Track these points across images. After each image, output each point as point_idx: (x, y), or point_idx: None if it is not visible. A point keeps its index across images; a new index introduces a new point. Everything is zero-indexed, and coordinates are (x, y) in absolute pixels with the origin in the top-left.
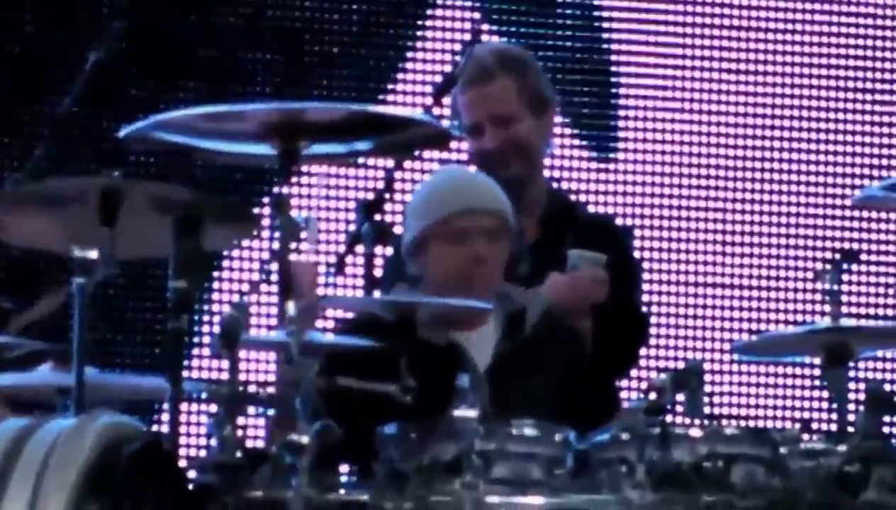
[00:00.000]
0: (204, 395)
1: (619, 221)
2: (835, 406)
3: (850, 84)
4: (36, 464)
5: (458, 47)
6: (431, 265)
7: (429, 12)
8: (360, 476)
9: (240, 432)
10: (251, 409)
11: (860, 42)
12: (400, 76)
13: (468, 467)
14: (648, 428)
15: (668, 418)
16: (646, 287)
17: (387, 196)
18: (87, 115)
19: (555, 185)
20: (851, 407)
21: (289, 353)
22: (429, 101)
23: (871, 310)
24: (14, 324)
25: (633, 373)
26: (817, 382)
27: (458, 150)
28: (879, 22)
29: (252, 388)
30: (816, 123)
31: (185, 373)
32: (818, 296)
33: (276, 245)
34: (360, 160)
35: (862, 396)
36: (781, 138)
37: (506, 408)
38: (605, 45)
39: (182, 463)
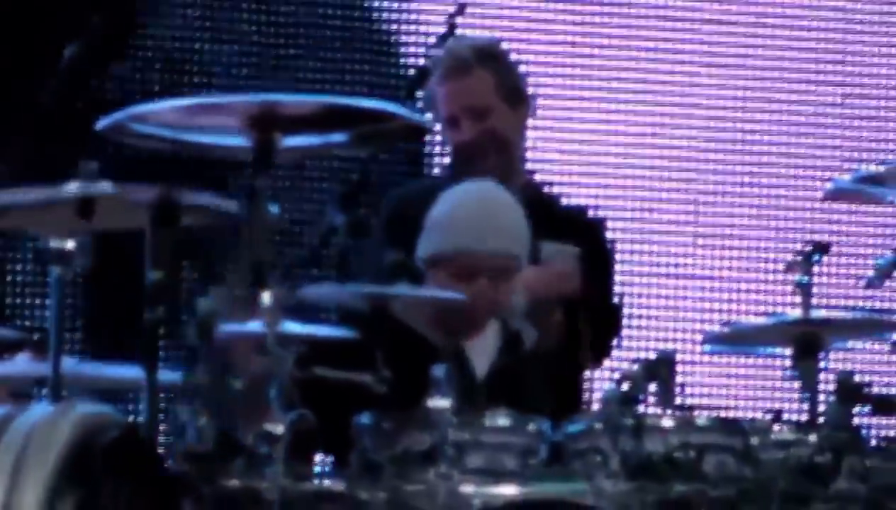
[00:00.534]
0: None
1: (591, 213)
2: (805, 397)
3: (822, 77)
4: (13, 452)
5: (432, 40)
6: (434, 287)
7: (404, 6)
8: (335, 466)
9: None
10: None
11: (830, 35)
12: (375, 69)
13: (442, 457)
14: (621, 418)
15: (641, 408)
16: (618, 278)
17: (362, 188)
18: (65, 108)
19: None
20: (822, 397)
21: (262, 344)
22: (404, 93)
23: (842, 302)
24: None
25: (606, 363)
26: (788, 373)
27: (434, 142)
28: (850, 16)
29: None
30: (787, 116)
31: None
32: (789, 288)
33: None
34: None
35: (832, 387)
36: (753, 131)
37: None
38: (578, 37)
39: (159, 452)
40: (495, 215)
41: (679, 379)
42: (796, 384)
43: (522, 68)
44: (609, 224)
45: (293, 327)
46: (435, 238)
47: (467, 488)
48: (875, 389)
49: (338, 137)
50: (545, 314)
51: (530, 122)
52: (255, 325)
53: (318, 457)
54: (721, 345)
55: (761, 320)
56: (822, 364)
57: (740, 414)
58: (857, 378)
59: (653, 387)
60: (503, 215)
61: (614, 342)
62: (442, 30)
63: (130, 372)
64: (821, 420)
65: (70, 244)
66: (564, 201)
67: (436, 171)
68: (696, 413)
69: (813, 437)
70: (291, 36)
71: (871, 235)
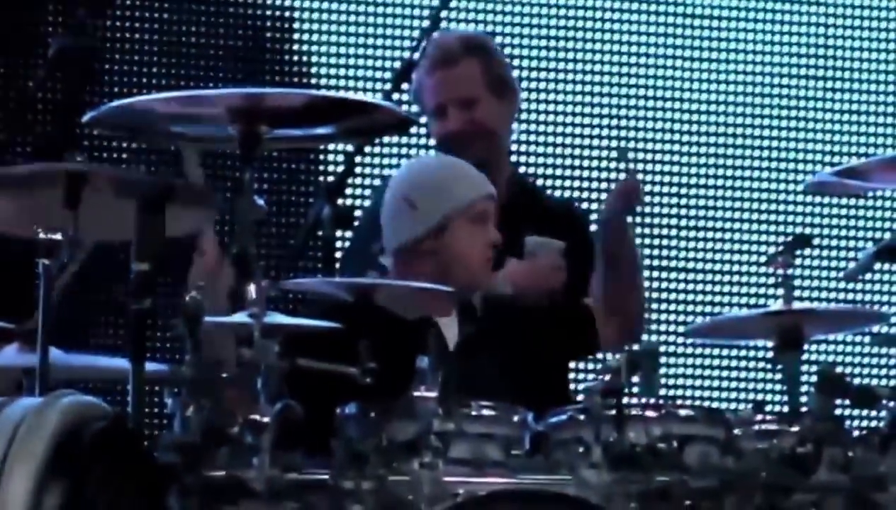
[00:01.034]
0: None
1: (576, 206)
2: (787, 388)
3: (803, 71)
4: (1, 442)
5: (417, 34)
6: (456, 246)
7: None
8: (320, 455)
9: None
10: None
11: (812, 29)
12: (360, 62)
13: (427, 447)
14: (604, 409)
15: (624, 400)
16: None
17: (347, 181)
18: (51, 100)
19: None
20: (804, 389)
21: (247, 335)
22: (388, 86)
23: (823, 294)
24: None
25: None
26: (770, 365)
27: (417, 135)
28: (831, 10)
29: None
30: (769, 110)
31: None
32: (771, 280)
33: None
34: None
35: (814, 379)
36: (735, 124)
37: (469, 391)
38: (563, 30)
39: (146, 443)
40: (470, 168)
41: (662, 370)
42: (778, 376)
43: (508, 61)
44: (594, 217)
45: (278, 319)
46: (444, 198)
47: (451, 478)
48: (856, 381)
49: (324, 130)
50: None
51: (516, 115)
52: (240, 317)
53: (303, 447)
54: (704, 337)
55: (744, 312)
56: (804, 356)
57: (723, 405)
58: (838, 369)
59: (636, 378)
60: (472, 169)
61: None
62: (427, 23)
63: (117, 363)
64: (803, 411)
65: (58, 236)
66: (549, 194)
67: None
68: (678, 404)
69: (795, 428)
70: (277, 29)
71: (852, 228)
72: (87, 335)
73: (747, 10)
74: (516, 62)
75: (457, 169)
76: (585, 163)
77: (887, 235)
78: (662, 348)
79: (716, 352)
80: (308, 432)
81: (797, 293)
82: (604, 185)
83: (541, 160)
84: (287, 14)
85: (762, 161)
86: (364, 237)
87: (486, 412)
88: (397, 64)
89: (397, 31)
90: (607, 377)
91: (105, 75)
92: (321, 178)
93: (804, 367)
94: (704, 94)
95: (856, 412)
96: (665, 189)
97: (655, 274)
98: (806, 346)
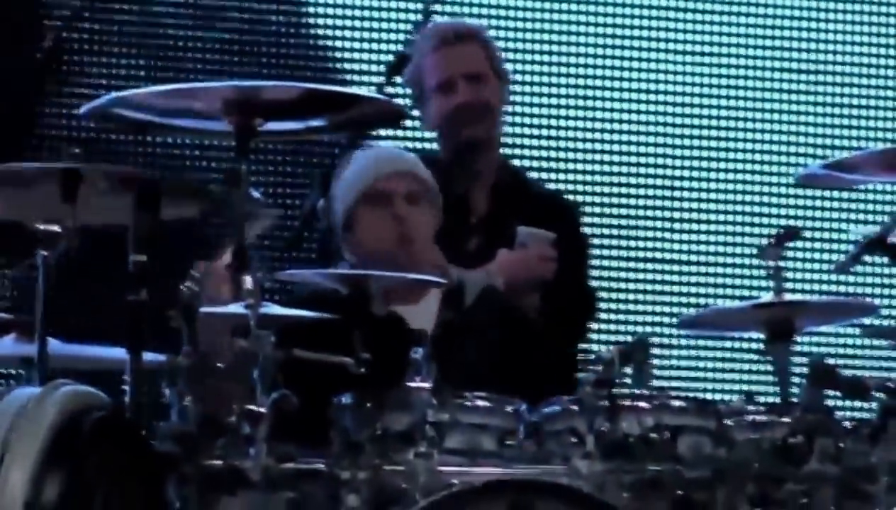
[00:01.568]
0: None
1: (566, 197)
2: (778, 379)
3: (794, 64)
4: (0, 433)
5: (409, 27)
6: (361, 234)
7: None
8: (316, 445)
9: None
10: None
11: (802, 23)
12: (353, 56)
13: (422, 437)
14: (597, 400)
15: (616, 390)
16: (594, 263)
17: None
18: (47, 92)
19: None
20: (795, 380)
21: (242, 326)
22: (382, 79)
23: (814, 286)
24: None
25: (582, 346)
26: (761, 356)
27: (412, 128)
28: (822, 4)
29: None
30: (760, 103)
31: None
32: (762, 272)
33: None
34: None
35: (805, 370)
36: (727, 117)
37: (446, 380)
38: (556, 24)
39: (144, 433)
40: (394, 151)
41: (654, 361)
42: (769, 367)
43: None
44: (585, 209)
45: (274, 309)
46: (348, 188)
47: (446, 468)
48: (847, 372)
49: (317, 122)
50: (521, 298)
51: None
52: (236, 307)
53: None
54: (695, 328)
55: (735, 304)
56: (794, 347)
57: (715, 396)
58: (829, 361)
59: (629, 370)
60: (401, 151)
61: (588, 328)
62: (419, 17)
63: (115, 353)
64: (794, 402)
65: (55, 227)
66: (538, 184)
67: None
68: (671, 395)
69: (786, 419)
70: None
71: (842, 221)
72: (84, 325)
73: (738, 3)
74: (507, 54)
75: (372, 153)
76: (571, 155)
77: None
78: (655, 340)
79: (707, 343)
80: (304, 422)
81: (788, 285)
82: (593, 178)
83: (527, 152)
84: (281, 8)
85: (753, 154)
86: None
87: (480, 403)
88: (390, 57)
89: (390, 24)
90: (600, 368)
91: (100, 68)
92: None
93: (795, 359)
94: (695, 88)
95: (846, 403)
96: (656, 181)
97: (647, 266)
98: (797, 338)
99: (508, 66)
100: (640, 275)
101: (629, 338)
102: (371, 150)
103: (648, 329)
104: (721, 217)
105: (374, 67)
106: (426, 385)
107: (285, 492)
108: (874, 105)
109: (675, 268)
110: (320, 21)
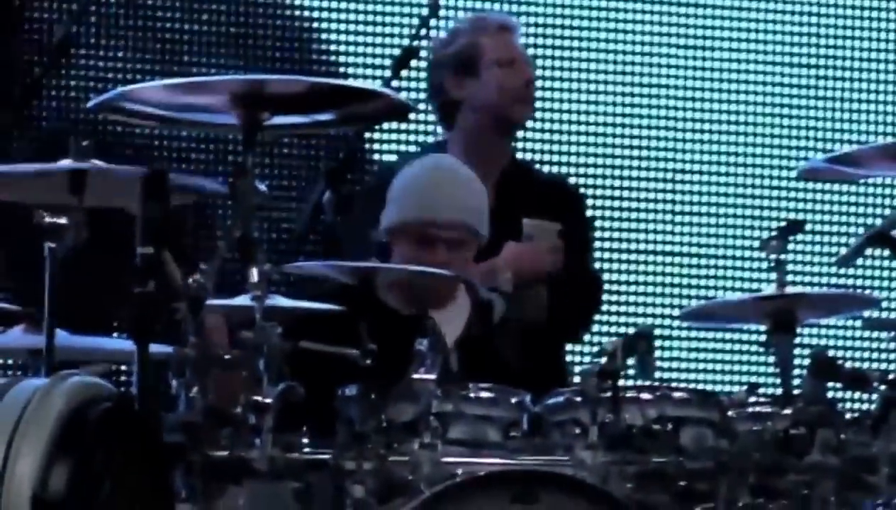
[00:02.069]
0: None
1: (571, 183)
2: (780, 371)
3: (797, 58)
4: (9, 423)
5: (416, 21)
6: (394, 260)
7: None
8: (322, 436)
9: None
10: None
11: (805, 18)
12: (360, 49)
13: (426, 428)
14: (600, 391)
15: (620, 382)
16: (597, 254)
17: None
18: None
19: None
20: (797, 372)
21: (248, 318)
22: (388, 73)
23: (816, 279)
24: None
25: (585, 337)
26: (763, 348)
27: (416, 121)
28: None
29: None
30: (763, 96)
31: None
32: (764, 265)
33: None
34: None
35: (806, 362)
36: (729, 111)
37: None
38: (558, 18)
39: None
40: (452, 186)
41: (657, 353)
42: (771, 359)
43: None
44: (589, 201)
45: (280, 301)
46: (395, 208)
47: (450, 459)
48: (848, 364)
49: (324, 116)
50: (529, 290)
51: None
52: (242, 300)
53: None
54: (698, 320)
55: (737, 296)
56: (796, 340)
57: (717, 387)
58: (830, 353)
59: (632, 361)
60: (460, 187)
61: (595, 315)
62: (425, 11)
63: (122, 345)
64: (795, 394)
65: (63, 219)
66: (543, 171)
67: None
68: (673, 386)
69: (788, 411)
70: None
71: (844, 214)
72: (92, 316)
73: None
74: None
75: (429, 180)
76: (574, 148)
77: (879, 221)
78: (657, 332)
79: (710, 335)
80: (309, 413)
81: (790, 278)
82: (596, 170)
83: (531, 145)
84: (287, 2)
85: (756, 147)
86: (363, 217)
87: (484, 394)
88: (397, 51)
89: (397, 18)
90: (603, 360)
91: (108, 62)
92: (322, 164)
93: (797, 351)
94: (698, 81)
95: (848, 395)
96: (660, 174)
97: (650, 258)
98: (799, 330)
99: None
100: (644, 268)
101: (632, 330)
102: (432, 172)
103: (651, 321)
104: (724, 210)
105: (380, 61)
106: (431, 376)
107: (291, 482)
108: (877, 99)
109: (678, 260)
110: (327, 15)
